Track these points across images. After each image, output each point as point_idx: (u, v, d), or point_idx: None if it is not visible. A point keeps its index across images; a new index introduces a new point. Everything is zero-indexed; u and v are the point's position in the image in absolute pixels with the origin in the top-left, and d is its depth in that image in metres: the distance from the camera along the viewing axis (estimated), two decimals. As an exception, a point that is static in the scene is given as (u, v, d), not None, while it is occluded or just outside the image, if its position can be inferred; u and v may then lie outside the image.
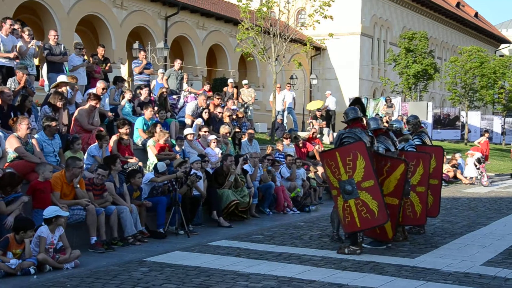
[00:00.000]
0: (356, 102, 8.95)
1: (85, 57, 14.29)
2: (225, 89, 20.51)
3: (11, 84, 10.71)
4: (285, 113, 22.37)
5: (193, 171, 10.62)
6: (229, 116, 15.07)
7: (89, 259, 7.77)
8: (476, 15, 57.50)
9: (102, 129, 10.94)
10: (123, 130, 10.89)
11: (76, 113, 11.06)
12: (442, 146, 11.00)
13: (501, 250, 8.55)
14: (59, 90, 11.03)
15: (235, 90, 20.74)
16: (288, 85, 23.69)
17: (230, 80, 21.04)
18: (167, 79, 16.61)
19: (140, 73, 15.93)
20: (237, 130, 14.55)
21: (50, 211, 7.34)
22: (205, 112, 14.33)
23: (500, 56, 47.61)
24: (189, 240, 9.33)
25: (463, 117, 36.03)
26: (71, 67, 13.27)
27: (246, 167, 12.20)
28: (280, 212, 12.54)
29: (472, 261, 7.75)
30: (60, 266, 7.20)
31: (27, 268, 6.87)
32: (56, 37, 13.10)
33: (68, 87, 11.54)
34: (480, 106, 38.80)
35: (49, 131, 9.32)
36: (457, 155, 21.01)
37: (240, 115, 16.08)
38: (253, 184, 12.10)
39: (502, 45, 61.40)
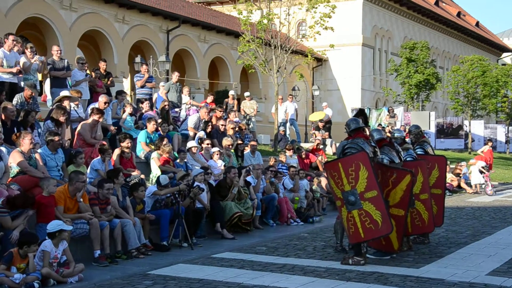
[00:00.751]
0: (360, 113, 8.95)
1: (88, 71, 14.36)
2: (226, 100, 20.55)
3: (18, 100, 10.78)
4: (288, 124, 22.40)
5: (196, 183, 10.63)
6: (232, 128, 15.09)
7: (93, 272, 7.76)
8: (477, 24, 57.63)
9: (104, 143, 10.97)
10: (124, 144, 10.93)
11: (79, 128, 11.11)
12: (444, 156, 10.99)
13: (507, 259, 8.51)
14: (62, 104, 11.08)
15: (236, 102, 20.78)
16: (290, 96, 23.75)
17: (231, 92, 21.10)
18: (166, 93, 16.65)
19: (142, 86, 16.00)
20: (240, 142, 14.56)
21: (53, 225, 7.35)
22: (209, 125, 14.38)
23: (502, 64, 47.63)
24: (192, 252, 9.32)
25: (466, 126, 36.01)
26: (73, 82, 13.33)
27: (249, 178, 12.20)
28: (283, 224, 12.52)
29: (477, 271, 7.72)
30: (64, 280, 7.19)
31: (31, 283, 6.86)
32: (59, 52, 13.17)
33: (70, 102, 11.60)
34: (483, 115, 38.79)
35: (52, 146, 9.35)
36: (463, 163, 20.95)
37: (242, 127, 16.11)
38: (256, 195, 12.09)
39: (504, 54, 61.46)
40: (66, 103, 11.32)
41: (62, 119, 10.46)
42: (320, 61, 37.39)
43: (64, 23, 23.02)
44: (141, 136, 12.45)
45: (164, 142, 11.60)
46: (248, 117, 20.17)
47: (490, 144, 22.61)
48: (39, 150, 9.27)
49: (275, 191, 12.73)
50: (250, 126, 19.12)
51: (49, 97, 13.22)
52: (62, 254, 7.35)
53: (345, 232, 8.62)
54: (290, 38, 22.24)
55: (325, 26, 21.53)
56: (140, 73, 16.43)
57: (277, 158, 15.07)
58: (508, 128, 41.49)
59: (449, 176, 19.63)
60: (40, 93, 13.50)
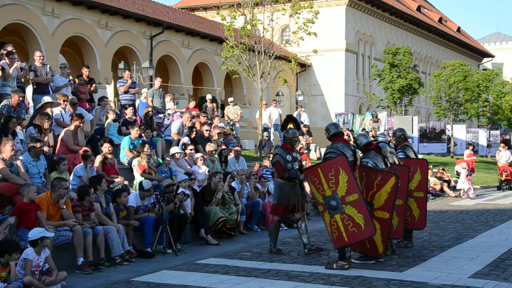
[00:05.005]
0: (290, 119, 9.53)
1: (70, 77, 14.28)
2: (204, 105, 20.52)
3: (4, 108, 10.66)
4: (272, 130, 22.42)
5: (180, 189, 10.59)
6: (218, 133, 15.09)
7: (76, 280, 7.70)
8: (458, 30, 58.25)
9: (87, 149, 10.91)
10: (105, 149, 10.89)
11: (62, 134, 11.04)
12: (426, 159, 11.06)
13: (488, 262, 8.58)
14: (45, 111, 11.00)
15: (215, 105, 20.75)
16: (274, 102, 23.79)
17: (208, 96, 21.04)
18: (152, 100, 16.60)
19: (126, 92, 15.91)
20: (224, 147, 14.56)
21: (35, 233, 7.26)
22: (193, 131, 14.36)
23: (483, 69, 48.15)
24: (177, 259, 9.28)
25: (448, 131, 36.31)
26: (54, 88, 13.23)
27: (233, 184, 12.20)
28: (268, 229, 12.48)
29: (459, 274, 7.77)
30: (47, 289, 7.12)
31: (13, 291, 6.78)
32: (42, 58, 13.08)
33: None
34: (465, 120, 39.15)
35: (34, 153, 9.27)
36: (458, 166, 20.93)
37: (227, 132, 16.11)
38: (241, 201, 12.09)
39: (485, 59, 62.18)
40: (48, 110, 11.24)
41: (46, 125, 10.39)
42: (303, 66, 37.52)
43: (46, 29, 22.86)
44: (125, 142, 12.41)
45: (145, 149, 11.55)
46: (232, 122, 20.17)
47: (470, 148, 22.82)
48: (20, 157, 9.19)
49: (260, 196, 12.73)
50: (234, 132, 19.11)
51: (31, 104, 13.11)
52: (44, 262, 7.27)
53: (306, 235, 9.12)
54: (273, 43, 22.33)
55: (308, 32, 21.65)
56: (123, 79, 16.34)
57: (261, 164, 15.07)
58: (489, 132, 41.92)
59: (432, 180, 19.78)
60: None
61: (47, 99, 11.64)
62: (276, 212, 9.50)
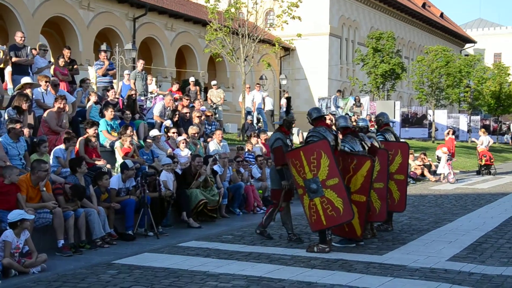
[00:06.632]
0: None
1: (52, 59, 14.12)
2: (187, 88, 20.42)
3: None
4: (255, 113, 22.40)
5: (163, 189, 10.37)
6: (198, 117, 15.02)
7: (56, 262, 7.68)
8: (441, 15, 58.47)
9: (69, 130, 10.82)
10: (91, 131, 10.79)
11: (45, 114, 10.97)
12: (407, 142, 11.15)
13: (466, 245, 8.71)
14: (24, 92, 10.88)
15: (198, 88, 20.66)
16: (258, 85, 23.74)
17: (191, 79, 20.90)
18: (134, 82, 16.43)
19: (104, 75, 15.63)
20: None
21: (14, 215, 7.23)
22: (176, 115, 14.27)
23: (465, 55, 48.47)
24: (158, 241, 9.28)
25: (430, 116, 36.58)
26: (35, 69, 13.08)
27: (215, 167, 12.20)
28: (250, 212, 12.55)
29: (438, 257, 7.89)
30: (26, 271, 7.10)
31: (-8, 273, 6.76)
32: (23, 38, 12.90)
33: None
34: (446, 105, 39.46)
35: (14, 134, 9.17)
36: (439, 150, 21.12)
37: (208, 114, 16.05)
38: (223, 184, 12.10)
39: (467, 45, 62.57)
40: (28, 91, 11.12)
41: (24, 106, 10.28)
42: (287, 50, 37.46)
43: (26, 9, 22.54)
44: (101, 125, 12.25)
45: (127, 131, 11.47)
46: (215, 106, 20.11)
47: (451, 132, 23.03)
48: (0, 139, 9.08)
49: (242, 179, 12.75)
50: (217, 116, 19.05)
51: (9, 85, 12.96)
52: (24, 244, 7.25)
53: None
54: (257, 27, 22.22)
55: (292, 16, 21.58)
56: (99, 61, 15.88)
57: (243, 147, 15.07)
58: (470, 117, 42.31)
59: (413, 164, 19.95)
60: (2, 80, 13.22)
61: (26, 79, 11.51)
62: (285, 197, 9.13)
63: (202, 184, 11.30)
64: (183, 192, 10.94)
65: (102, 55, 15.87)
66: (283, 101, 22.23)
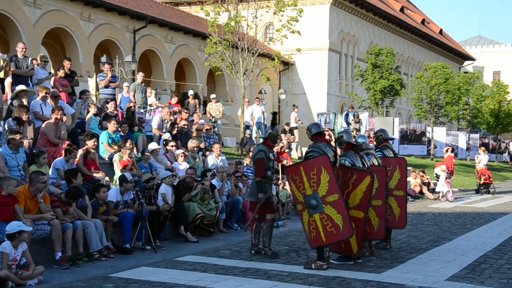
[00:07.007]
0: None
1: (52, 70, 14.15)
2: (186, 101, 20.44)
3: None
4: (254, 128, 22.40)
5: (161, 203, 10.38)
6: (197, 130, 15.03)
7: (54, 275, 7.63)
8: (441, 32, 58.75)
9: (69, 142, 10.80)
10: (90, 143, 10.77)
11: (43, 126, 10.94)
12: (405, 158, 11.15)
13: (465, 265, 8.67)
14: (21, 101, 10.88)
15: (197, 102, 20.67)
16: (257, 99, 23.77)
17: (190, 92, 20.93)
18: (134, 95, 16.46)
19: (106, 86, 15.72)
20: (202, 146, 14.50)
21: (13, 226, 7.19)
22: (175, 128, 14.28)
23: (464, 72, 48.65)
24: (155, 255, 9.24)
25: (429, 133, 36.60)
26: (35, 81, 13.09)
27: (213, 181, 12.17)
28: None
29: (436, 276, 7.85)
30: (23, 283, 7.05)
31: (-12, 285, 6.71)
32: (24, 50, 12.92)
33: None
34: (445, 122, 39.53)
35: (13, 145, 9.16)
36: (437, 168, 21.13)
37: (207, 127, 16.05)
38: (221, 198, 12.07)
39: (466, 62, 62.83)
40: (24, 100, 11.12)
41: (24, 117, 10.27)
42: (287, 64, 37.57)
43: (27, 20, 22.60)
44: (103, 137, 12.26)
45: (127, 144, 11.45)
46: (213, 119, 20.12)
47: (449, 150, 23.02)
48: (-1, 149, 9.07)
49: (240, 194, 12.72)
50: (215, 129, 19.06)
51: (9, 95, 12.96)
52: (22, 256, 7.21)
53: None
54: (257, 41, 22.32)
55: (292, 30, 21.68)
56: (102, 73, 16.07)
57: (241, 161, 15.05)
58: (469, 135, 42.35)
59: (413, 182, 19.94)
60: (2, 91, 13.23)
61: (21, 87, 11.52)
62: (266, 210, 9.16)
63: (200, 197, 11.26)
64: (180, 206, 10.91)
65: (106, 67, 16.03)
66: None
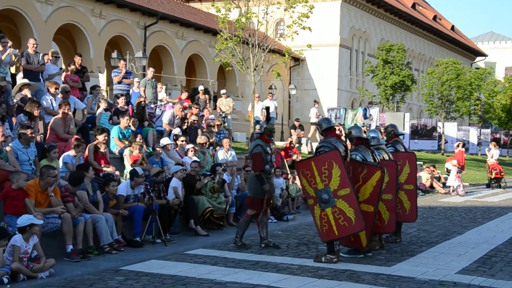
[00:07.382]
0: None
1: (63, 66, 14.23)
2: (196, 96, 20.47)
3: None
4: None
5: (171, 197, 10.45)
6: (208, 126, 15.06)
7: (64, 268, 7.68)
8: (452, 28, 58.40)
9: (78, 137, 10.86)
10: (101, 138, 10.81)
11: (51, 122, 10.99)
12: (414, 152, 11.14)
13: (476, 258, 8.64)
14: (22, 92, 10.96)
15: (207, 97, 20.71)
16: (270, 94, 23.73)
17: (200, 88, 20.98)
18: (144, 90, 16.52)
19: (120, 82, 15.83)
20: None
21: (24, 220, 7.25)
22: (185, 123, 14.32)
23: (476, 68, 48.32)
24: (166, 249, 9.27)
25: (440, 128, 36.45)
26: (46, 76, 13.16)
27: (224, 176, 12.19)
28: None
29: (447, 269, 7.82)
30: (35, 275, 7.11)
31: (0, 278, 6.76)
32: (35, 45, 12.96)
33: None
34: (456, 117, 39.34)
35: (24, 139, 9.22)
36: (448, 163, 21.08)
37: (218, 123, 16.09)
38: (231, 193, 12.09)
39: (478, 58, 62.41)
40: (26, 91, 11.19)
41: (36, 112, 10.34)
42: (297, 60, 37.51)
43: (39, 16, 22.72)
44: (114, 132, 12.32)
45: (137, 139, 11.49)
46: (224, 114, 20.15)
47: (461, 145, 22.96)
48: (10, 144, 9.13)
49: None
50: (226, 124, 19.08)
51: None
52: (33, 249, 7.26)
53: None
54: (268, 37, 22.31)
55: (302, 26, 21.65)
56: (118, 69, 16.27)
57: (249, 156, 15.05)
58: (480, 130, 42.11)
59: (425, 176, 19.90)
60: (13, 86, 13.31)
61: (23, 80, 11.60)
62: (254, 207, 9.36)
63: (210, 187, 11.29)
64: (190, 200, 10.94)
65: (121, 63, 16.37)
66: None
